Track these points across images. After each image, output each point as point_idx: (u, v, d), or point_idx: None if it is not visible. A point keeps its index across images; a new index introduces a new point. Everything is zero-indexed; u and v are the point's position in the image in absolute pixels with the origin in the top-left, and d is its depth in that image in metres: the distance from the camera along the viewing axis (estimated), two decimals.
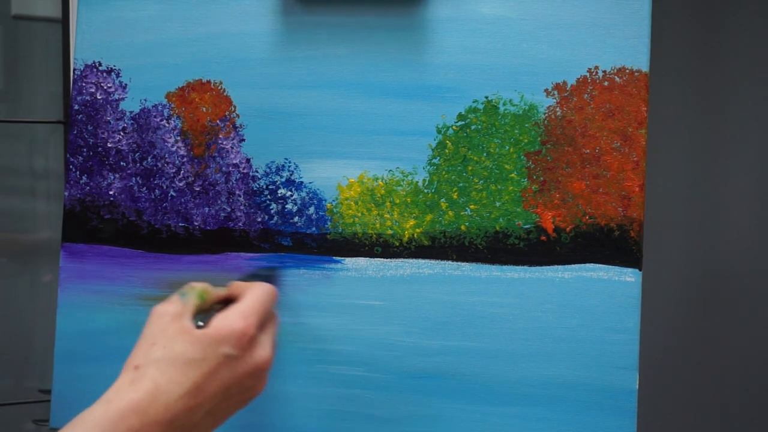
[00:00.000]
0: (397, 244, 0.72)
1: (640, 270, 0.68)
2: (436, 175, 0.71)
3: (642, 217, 0.69)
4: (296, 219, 0.73)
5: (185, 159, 0.74)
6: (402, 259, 0.71)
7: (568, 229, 0.70)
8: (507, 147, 0.71)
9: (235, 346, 0.60)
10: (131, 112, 0.75)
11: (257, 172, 0.74)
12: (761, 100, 1.25)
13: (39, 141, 1.23)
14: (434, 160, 0.71)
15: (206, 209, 0.74)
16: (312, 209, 0.73)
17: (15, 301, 1.24)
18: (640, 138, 0.69)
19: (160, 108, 0.75)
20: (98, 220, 0.75)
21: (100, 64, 0.76)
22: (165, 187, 0.75)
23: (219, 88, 0.74)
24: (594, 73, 0.69)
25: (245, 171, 0.74)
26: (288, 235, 0.73)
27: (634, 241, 0.69)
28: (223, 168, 0.74)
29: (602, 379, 0.68)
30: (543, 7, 0.70)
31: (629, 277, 0.68)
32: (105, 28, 0.76)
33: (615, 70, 0.69)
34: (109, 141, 0.75)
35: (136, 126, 0.75)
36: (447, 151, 0.71)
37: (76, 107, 0.76)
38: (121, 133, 0.75)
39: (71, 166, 0.76)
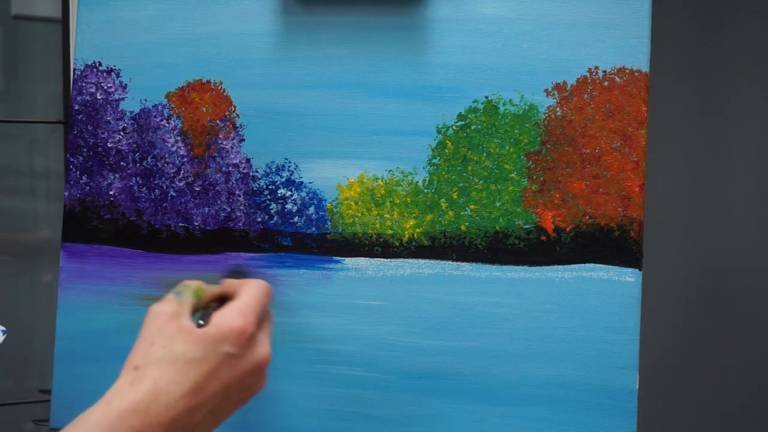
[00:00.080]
0: (397, 244, 0.72)
1: (640, 270, 0.68)
2: (436, 175, 0.71)
3: (642, 217, 0.69)
4: (296, 219, 0.73)
5: (185, 159, 0.74)
6: (402, 259, 0.71)
7: (568, 229, 0.70)
8: (507, 147, 0.71)
9: (235, 345, 0.60)
10: (131, 112, 0.75)
11: (257, 172, 0.74)
12: (761, 100, 1.25)
13: (39, 141, 1.23)
14: (434, 160, 0.71)
15: (206, 209, 0.74)
16: (312, 209, 0.73)
17: (15, 301, 1.24)
18: (640, 138, 0.69)
19: (160, 108, 0.75)
20: (98, 220, 0.75)
21: (100, 64, 0.76)
22: (165, 187, 0.75)
23: (219, 88, 0.74)
24: (594, 73, 0.69)
25: (245, 171, 0.74)
26: (288, 235, 0.73)
27: (634, 241, 0.69)
28: (223, 168, 0.74)
29: (602, 379, 0.68)
30: (543, 7, 0.70)
31: (629, 277, 0.68)
32: (105, 28, 0.76)
33: (615, 70, 0.69)
34: (109, 141, 0.75)
35: (136, 126, 0.75)
36: (447, 151, 0.71)
37: (76, 107, 0.76)
38: (121, 133, 0.75)
39: (71, 166, 0.76)
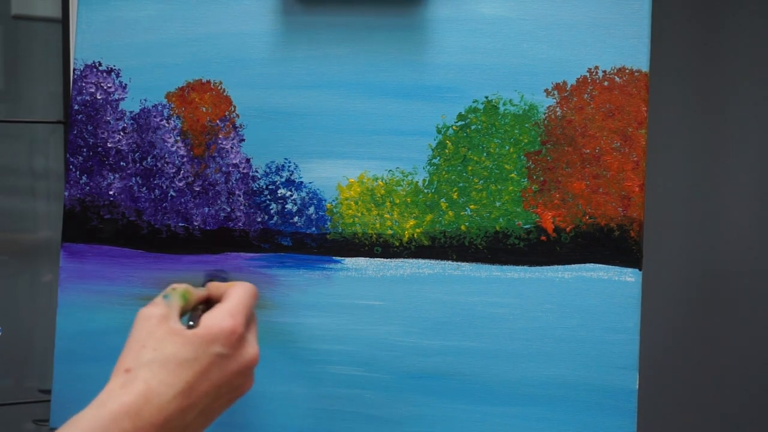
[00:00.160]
0: (397, 244, 0.72)
1: (640, 270, 0.68)
2: (436, 175, 0.71)
3: (642, 217, 0.69)
4: (296, 219, 0.73)
5: (185, 159, 0.74)
6: (402, 259, 0.71)
7: (568, 229, 0.70)
8: (507, 147, 0.71)
9: (225, 345, 0.60)
10: (131, 112, 0.75)
11: (257, 172, 0.73)
12: (761, 100, 1.25)
13: (39, 141, 1.23)
14: (434, 160, 0.71)
15: (206, 209, 0.74)
16: (312, 209, 0.73)
17: (15, 301, 1.24)
18: (640, 138, 0.69)
19: (160, 108, 0.75)
20: (98, 220, 0.75)
21: (100, 64, 0.76)
22: (165, 187, 0.75)
23: (219, 88, 0.74)
24: (594, 73, 0.69)
25: (245, 171, 0.74)
26: (288, 235, 0.73)
27: (634, 241, 0.69)
28: (223, 168, 0.74)
29: (602, 379, 0.68)
30: (543, 7, 0.70)
31: (629, 277, 0.68)
32: (105, 28, 0.76)
33: (615, 70, 0.69)
34: (109, 141, 0.75)
35: (136, 126, 0.75)
36: (447, 151, 0.71)
37: (76, 107, 0.76)
38: (121, 133, 0.75)
39: (71, 166, 0.76)
